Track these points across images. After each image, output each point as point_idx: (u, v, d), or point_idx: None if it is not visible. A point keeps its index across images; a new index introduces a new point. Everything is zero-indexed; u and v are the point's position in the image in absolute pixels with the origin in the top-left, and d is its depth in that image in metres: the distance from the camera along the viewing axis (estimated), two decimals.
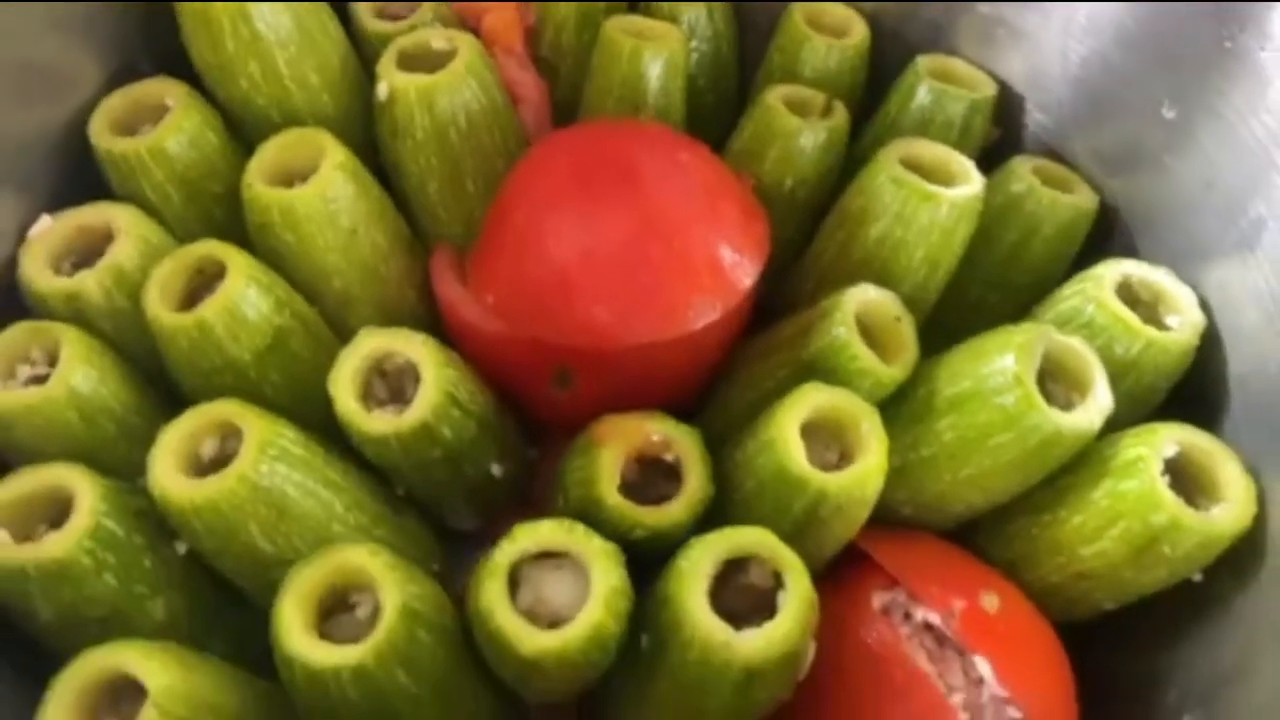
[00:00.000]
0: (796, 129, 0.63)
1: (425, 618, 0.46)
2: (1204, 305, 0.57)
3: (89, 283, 0.53)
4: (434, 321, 0.61)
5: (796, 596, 0.46)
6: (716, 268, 0.56)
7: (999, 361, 0.53)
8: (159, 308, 0.51)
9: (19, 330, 0.52)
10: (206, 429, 0.50)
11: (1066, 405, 0.53)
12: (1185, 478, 0.52)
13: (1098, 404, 0.52)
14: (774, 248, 0.63)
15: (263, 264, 0.54)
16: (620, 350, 0.55)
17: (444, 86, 0.59)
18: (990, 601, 0.52)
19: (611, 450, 0.52)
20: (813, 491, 0.50)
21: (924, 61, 0.66)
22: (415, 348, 0.52)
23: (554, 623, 0.45)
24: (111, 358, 0.53)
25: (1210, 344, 0.56)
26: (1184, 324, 0.56)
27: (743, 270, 0.57)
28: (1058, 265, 0.63)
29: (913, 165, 0.59)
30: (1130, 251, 0.62)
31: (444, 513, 0.61)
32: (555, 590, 0.46)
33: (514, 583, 0.47)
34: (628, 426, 0.53)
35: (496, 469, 0.58)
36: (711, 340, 0.58)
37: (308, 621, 0.45)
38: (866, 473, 0.50)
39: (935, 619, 0.52)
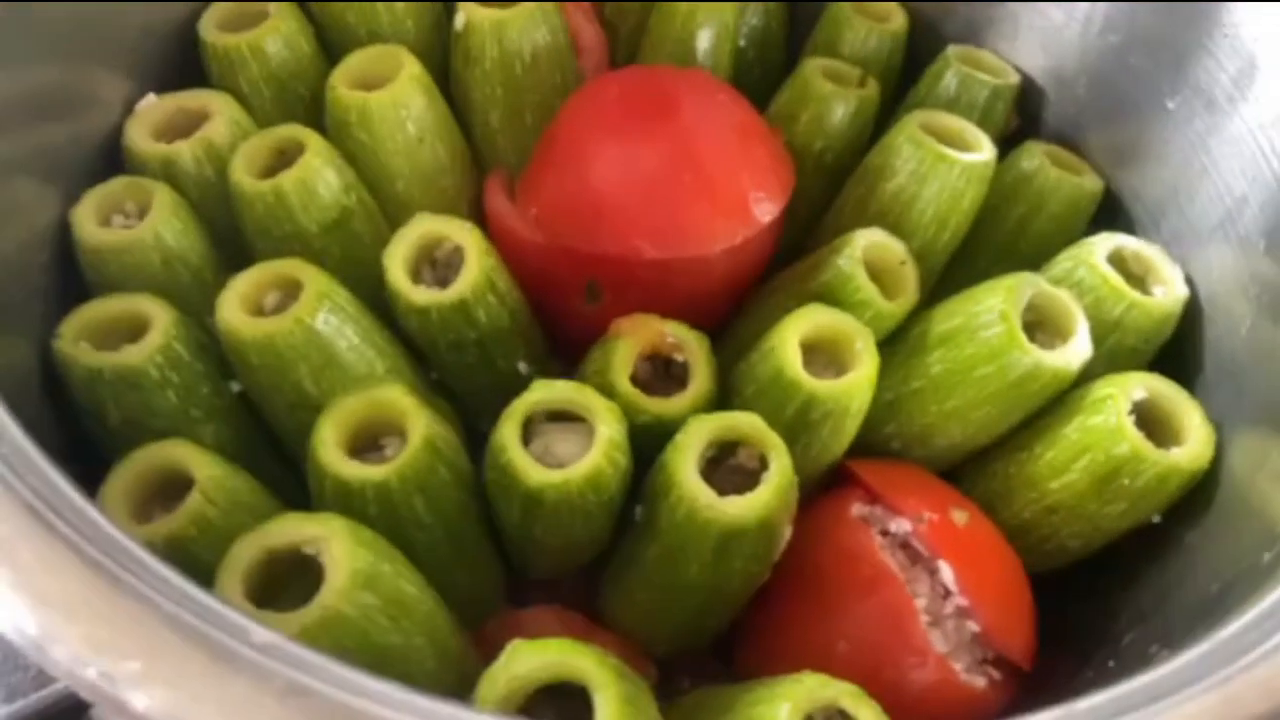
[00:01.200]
0: (830, 94, 0.69)
1: (446, 457, 0.51)
2: (1190, 281, 0.61)
3: (184, 150, 0.60)
4: None
5: (777, 473, 0.51)
6: (740, 199, 0.61)
7: (987, 300, 0.58)
8: (242, 174, 0.58)
9: (118, 183, 0.58)
10: (272, 281, 0.56)
11: (1049, 349, 0.57)
12: (1152, 422, 0.56)
13: (1077, 348, 0.57)
14: (800, 205, 0.69)
15: (338, 153, 0.61)
16: (645, 263, 0.60)
17: (514, 22, 0.66)
18: (959, 516, 0.56)
19: (628, 343, 0.57)
20: (804, 395, 0.55)
21: (955, 50, 0.72)
22: (463, 234, 0.58)
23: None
24: (195, 218, 0.59)
25: (1192, 315, 0.61)
26: (1168, 294, 0.60)
27: (764, 207, 0.62)
28: (1062, 241, 0.67)
29: (932, 132, 0.65)
30: (1130, 232, 0.66)
31: (472, 409, 0.66)
32: (563, 445, 0.51)
33: (528, 438, 0.52)
34: (646, 324, 0.58)
35: (524, 367, 0.63)
36: (730, 267, 0.63)
37: (342, 444, 0.51)
38: (855, 383, 0.55)
39: (908, 528, 0.56)
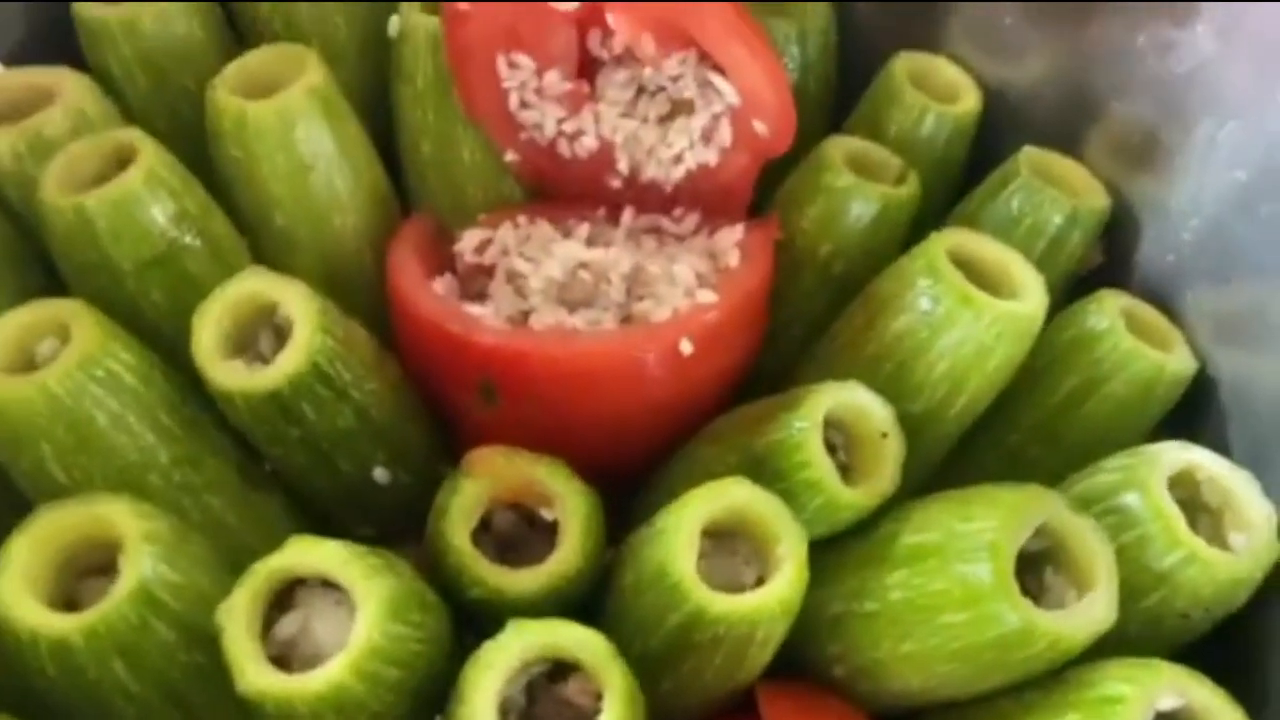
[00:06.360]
0: (849, 189, 0.53)
1: (172, 612, 0.38)
2: None
3: (1, 142, 0.48)
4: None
5: None
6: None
7: (978, 520, 0.41)
8: (50, 184, 0.46)
9: None
10: (47, 326, 0.43)
11: (1060, 604, 0.41)
12: None
13: (1092, 612, 0.40)
14: (795, 320, 0.54)
15: (185, 172, 0.48)
16: (539, 362, 0.46)
17: None
18: None
19: (476, 485, 0.43)
20: (690, 607, 0.39)
21: (1029, 154, 0.55)
22: (297, 302, 0.44)
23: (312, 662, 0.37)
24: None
25: None
26: (1249, 548, 0.43)
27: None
28: (1121, 432, 0.50)
29: (965, 261, 0.48)
30: (1221, 438, 0.49)
31: (331, 510, 0.53)
32: (326, 626, 0.37)
33: (288, 604, 0.38)
34: (505, 462, 0.43)
35: (382, 474, 0.49)
36: (665, 386, 0.48)
37: (46, 572, 0.38)
38: (763, 605, 0.39)
39: None
